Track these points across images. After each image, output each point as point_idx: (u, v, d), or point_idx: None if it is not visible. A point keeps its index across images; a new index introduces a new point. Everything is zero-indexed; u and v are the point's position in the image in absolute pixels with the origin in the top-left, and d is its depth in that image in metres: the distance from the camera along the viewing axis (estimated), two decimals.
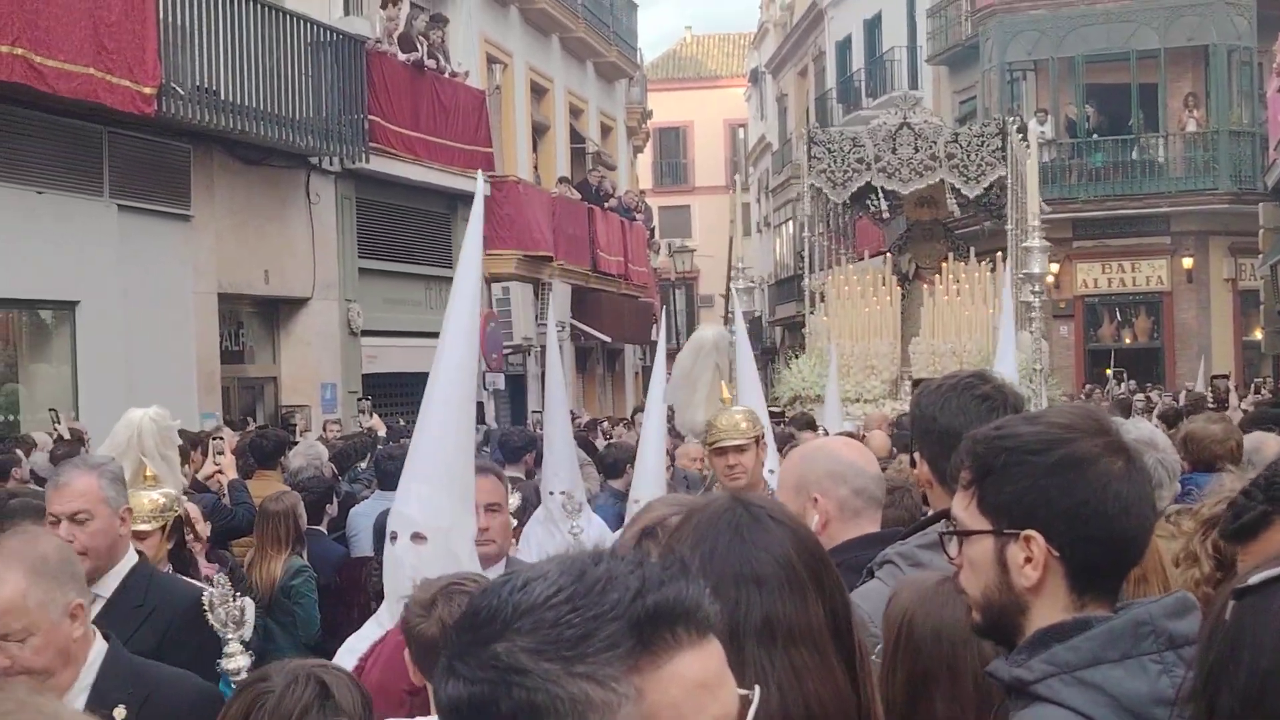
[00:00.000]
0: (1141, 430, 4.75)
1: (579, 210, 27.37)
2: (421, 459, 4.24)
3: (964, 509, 2.43)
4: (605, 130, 33.27)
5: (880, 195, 18.00)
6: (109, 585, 4.46)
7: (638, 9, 35.50)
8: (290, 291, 17.86)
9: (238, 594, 4.03)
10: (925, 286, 17.59)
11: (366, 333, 19.36)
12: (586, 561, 1.52)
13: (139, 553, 4.74)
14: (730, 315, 16.40)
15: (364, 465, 11.30)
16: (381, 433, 14.40)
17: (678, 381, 6.66)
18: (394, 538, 4.18)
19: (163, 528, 5.32)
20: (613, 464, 9.94)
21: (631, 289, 30.95)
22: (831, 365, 14.08)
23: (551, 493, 7.19)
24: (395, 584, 4.11)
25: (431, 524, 4.10)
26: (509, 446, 10.24)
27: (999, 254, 17.28)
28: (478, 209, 4.68)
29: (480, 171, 5.44)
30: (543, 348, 26.50)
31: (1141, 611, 2.31)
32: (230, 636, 3.90)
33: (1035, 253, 13.20)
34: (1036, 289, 13.90)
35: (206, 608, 3.91)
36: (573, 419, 22.86)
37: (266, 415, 17.62)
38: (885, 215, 20.13)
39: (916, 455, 3.63)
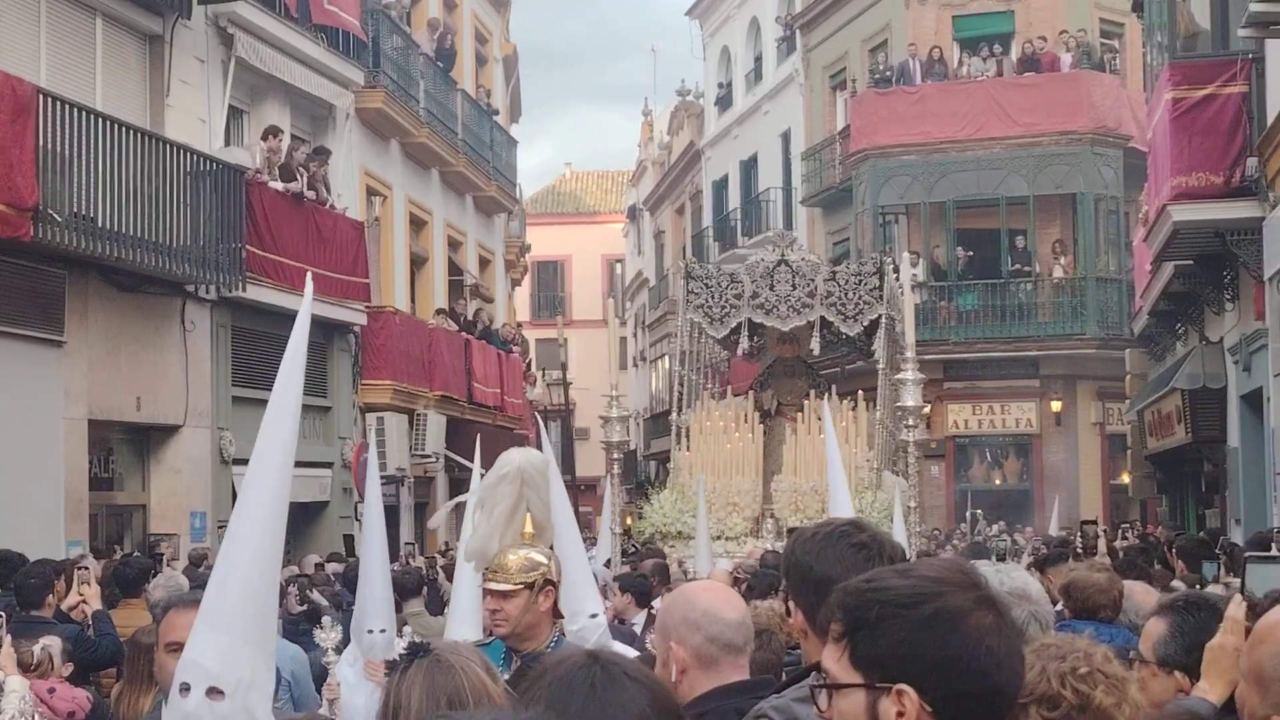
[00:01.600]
0: (1015, 580, 4.77)
1: (455, 341, 27.33)
2: (225, 604, 3.75)
3: (835, 661, 2.42)
4: (484, 263, 33.35)
5: (747, 331, 17.84)
6: None
7: (517, 145, 35.78)
8: (162, 419, 17.60)
9: None
10: (788, 423, 17.43)
11: (239, 461, 19.09)
12: None
13: None
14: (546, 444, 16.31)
15: None
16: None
17: (483, 504, 6.11)
18: (185, 690, 3.68)
19: None
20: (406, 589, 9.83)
21: (507, 420, 30.86)
22: (700, 502, 13.97)
23: (370, 630, 7.15)
24: None
25: (231, 677, 3.65)
26: (403, 587, 10.10)
27: (860, 393, 17.24)
28: (303, 319, 4.25)
29: (309, 275, 5.19)
30: (416, 478, 26.40)
31: None
32: None
33: (910, 385, 13.09)
34: (911, 423, 13.75)
35: None
36: (447, 549, 22.69)
37: (134, 543, 17.27)
38: (751, 351, 20.07)
39: (791, 604, 3.58)
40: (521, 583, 5.56)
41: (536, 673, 2.50)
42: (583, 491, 31.59)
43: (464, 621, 6.79)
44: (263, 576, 3.85)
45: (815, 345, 17.28)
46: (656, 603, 7.70)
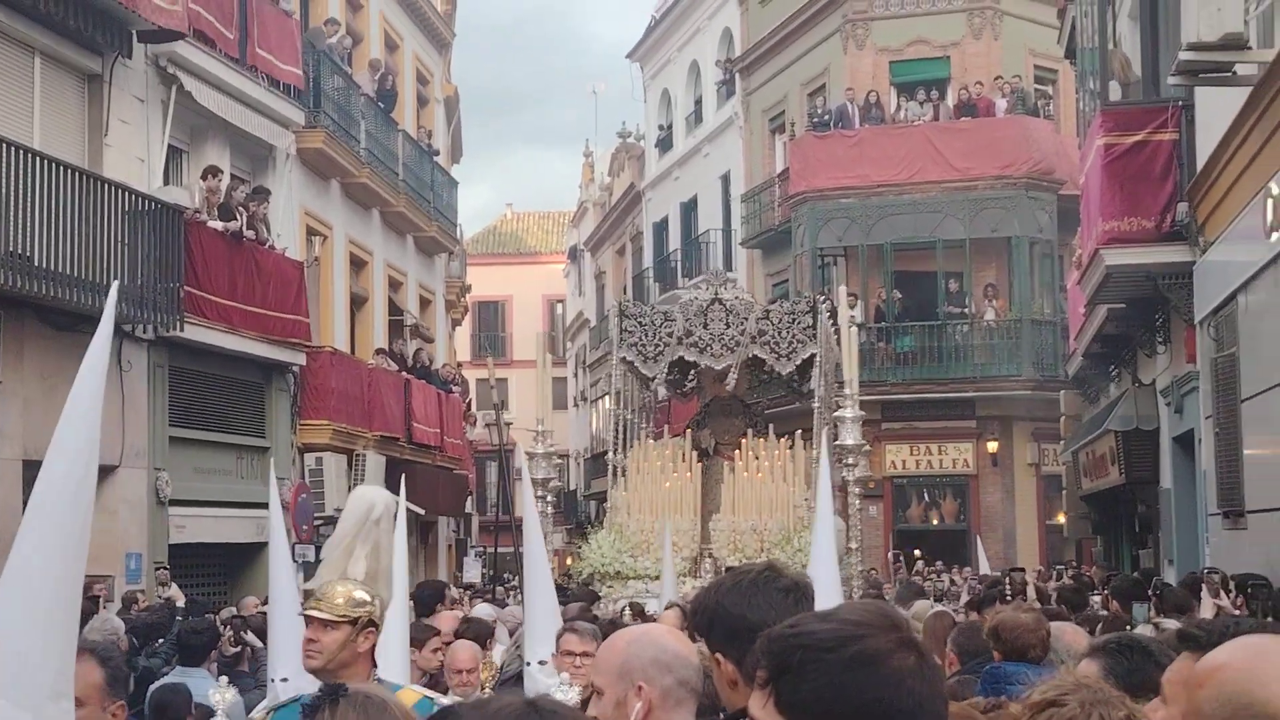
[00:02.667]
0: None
1: (395, 381, 27.29)
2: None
3: (761, 708, 2.44)
4: (424, 303, 33.33)
5: (681, 370, 17.76)
6: None
7: (458, 185, 35.82)
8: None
9: None
10: (725, 463, 17.37)
11: (175, 502, 18.99)
12: None
13: None
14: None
15: (161, 641, 11.01)
16: (180, 603, 14.06)
17: (335, 541, 5.70)
18: None
19: None
20: None
21: (446, 461, 30.80)
22: (666, 541, 13.83)
23: (274, 679, 6.58)
24: None
25: None
26: None
27: (798, 432, 17.23)
28: (104, 330, 3.80)
29: (115, 285, 4.74)
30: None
31: None
32: None
33: (849, 423, 12.99)
34: (851, 461, 13.66)
35: None
36: None
37: None
38: (686, 390, 20.07)
39: (719, 655, 3.57)
40: (345, 616, 5.25)
41: (468, 705, 2.51)
42: (518, 532, 31.48)
43: (391, 669, 6.75)
44: (56, 632, 3.48)
45: (732, 380, 17.24)
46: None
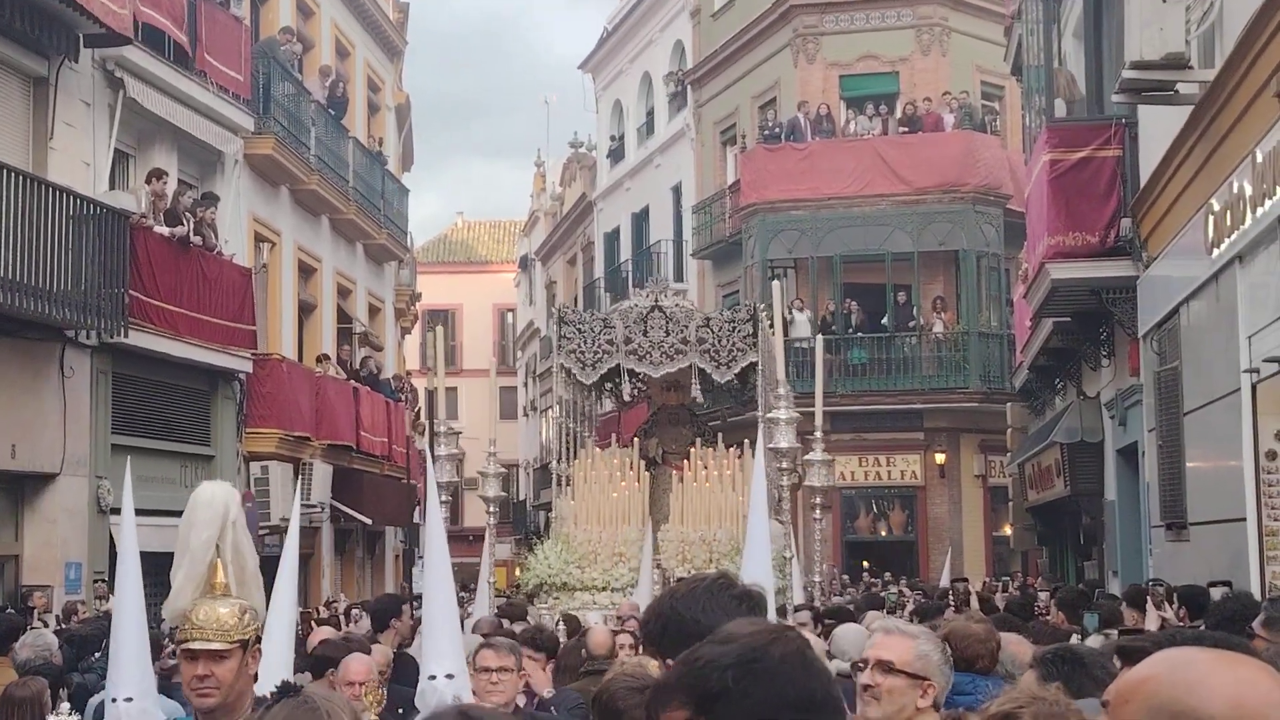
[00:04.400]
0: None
1: (343, 390, 27.17)
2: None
3: None
4: (373, 311, 33.21)
5: (626, 378, 17.64)
6: None
7: (409, 193, 35.72)
8: (37, 467, 17.30)
9: None
10: (674, 472, 17.29)
11: (117, 510, 18.78)
12: None
13: None
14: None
15: (98, 655, 10.85)
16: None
17: (191, 551, 5.13)
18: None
19: None
20: None
21: (395, 470, 30.69)
22: (646, 545, 13.64)
23: (115, 699, 5.84)
24: None
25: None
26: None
27: (746, 441, 17.23)
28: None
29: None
30: (301, 528, 26.02)
31: None
32: None
33: (782, 425, 12.65)
34: (784, 466, 13.37)
35: None
36: (328, 603, 22.47)
37: (5, 595, 16.93)
38: (627, 399, 19.96)
39: (670, 663, 3.55)
40: (238, 640, 4.68)
41: None
42: (470, 543, 31.41)
43: (444, 653, 6.51)
44: None
45: (697, 393, 17.15)
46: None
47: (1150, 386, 15.28)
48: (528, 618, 13.55)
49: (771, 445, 13.10)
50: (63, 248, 16.82)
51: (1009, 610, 13.50)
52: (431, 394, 27.11)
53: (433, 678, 6.46)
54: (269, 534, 23.55)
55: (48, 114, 18.01)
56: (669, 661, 3.54)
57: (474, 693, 6.58)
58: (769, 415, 13.06)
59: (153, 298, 19.06)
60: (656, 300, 17.40)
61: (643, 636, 3.86)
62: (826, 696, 2.40)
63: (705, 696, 2.38)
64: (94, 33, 17.94)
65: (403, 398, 32.03)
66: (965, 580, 20.24)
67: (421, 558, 13.93)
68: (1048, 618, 13.07)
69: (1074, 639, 9.22)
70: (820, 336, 15.88)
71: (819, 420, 13.09)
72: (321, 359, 27.20)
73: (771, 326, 16.84)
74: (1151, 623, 10.32)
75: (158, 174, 19.71)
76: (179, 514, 19.14)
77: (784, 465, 12.89)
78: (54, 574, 17.57)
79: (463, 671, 6.55)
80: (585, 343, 17.17)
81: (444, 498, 12.34)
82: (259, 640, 4.81)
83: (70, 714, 5.46)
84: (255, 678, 4.74)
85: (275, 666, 5.83)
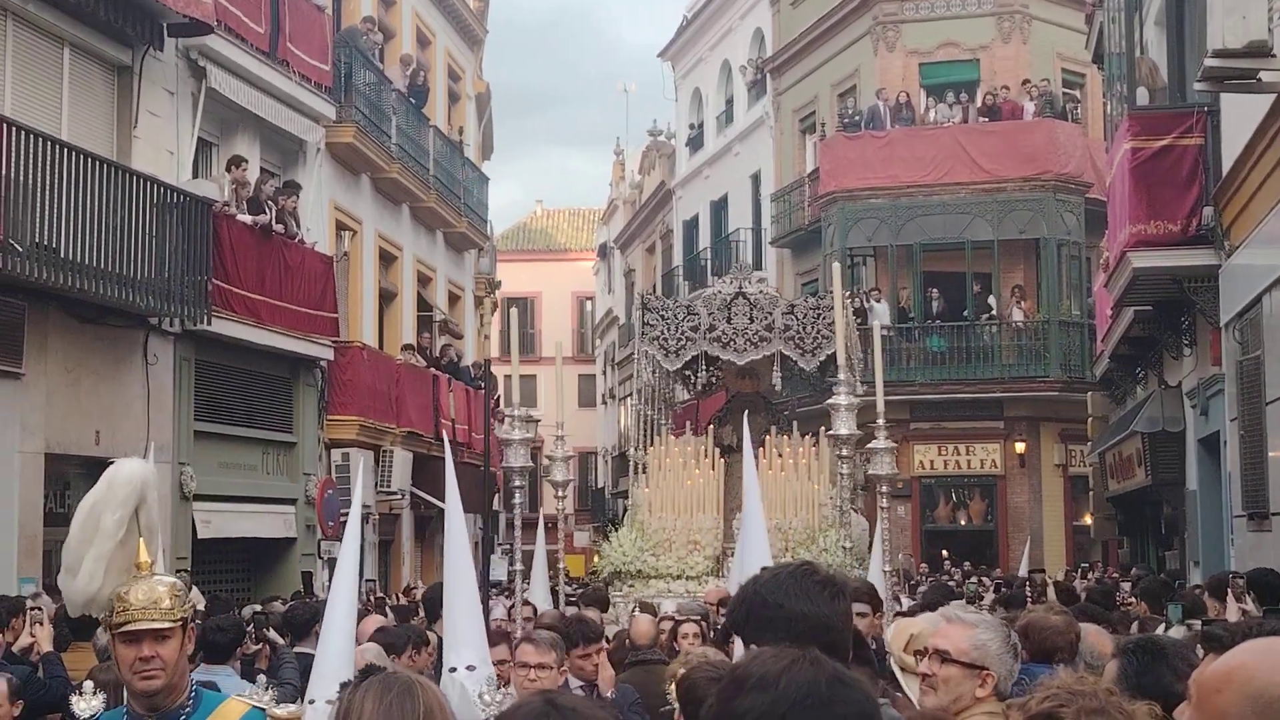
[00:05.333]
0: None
1: (424, 377, 27.34)
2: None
3: None
4: (453, 299, 33.38)
5: (703, 365, 17.37)
6: None
7: (489, 181, 35.87)
8: (121, 452, 17.42)
9: None
10: None
11: (200, 497, 19.01)
12: None
13: None
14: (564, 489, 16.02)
15: None
16: (200, 605, 14.05)
17: (101, 528, 4.77)
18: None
19: None
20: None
21: (474, 458, 30.82)
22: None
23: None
24: None
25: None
26: (295, 621, 9.82)
27: (822, 429, 16.96)
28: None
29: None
30: (381, 515, 26.30)
31: None
32: None
33: (842, 411, 12.12)
34: (844, 453, 12.89)
35: None
36: (407, 590, 22.62)
37: None
38: (701, 387, 19.68)
39: (754, 647, 3.53)
40: (180, 618, 4.55)
41: None
42: (548, 529, 31.54)
43: (466, 643, 6.32)
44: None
45: (777, 381, 16.91)
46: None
47: (1232, 376, 15.12)
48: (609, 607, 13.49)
49: (831, 432, 12.69)
50: (147, 236, 17.00)
51: (1090, 600, 13.41)
52: (482, 362, 27.19)
53: (453, 670, 6.21)
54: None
55: (132, 103, 18.21)
56: (752, 646, 3.56)
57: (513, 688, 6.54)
58: (829, 401, 12.59)
59: (235, 285, 19.23)
60: (740, 287, 17.11)
61: (728, 622, 3.89)
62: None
63: None
64: (177, 22, 18.14)
65: (482, 385, 32.16)
66: (1042, 571, 20.08)
67: (501, 545, 13.97)
68: (1130, 608, 12.99)
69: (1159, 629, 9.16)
70: (878, 322, 15.55)
71: (880, 407, 12.84)
72: (405, 348, 27.39)
73: (860, 321, 16.61)
74: (1232, 614, 10.24)
75: (237, 161, 19.89)
76: (262, 500, 19.36)
77: (844, 453, 12.46)
78: None
79: (485, 662, 6.32)
80: (668, 329, 16.92)
81: (517, 482, 12.26)
82: (195, 618, 4.73)
83: (96, 692, 5.33)
84: (193, 658, 4.68)
85: (336, 654, 5.78)
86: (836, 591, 3.58)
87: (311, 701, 5.55)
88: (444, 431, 25.13)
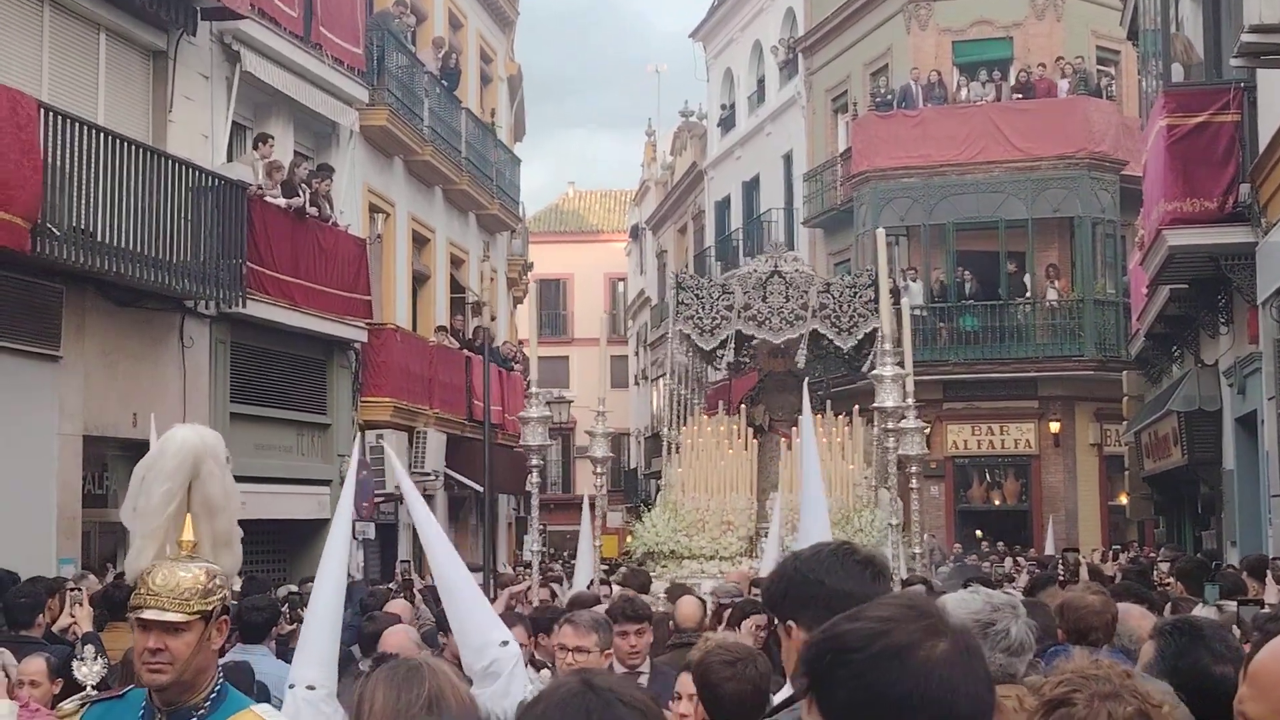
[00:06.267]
0: (996, 597, 4.86)
1: (456, 359, 27.40)
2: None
3: (808, 714, 2.41)
4: (486, 281, 33.41)
5: (735, 344, 17.19)
6: None
7: (521, 164, 35.88)
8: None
9: None
10: (782, 439, 16.66)
11: (235, 478, 19.02)
12: None
13: None
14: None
15: None
16: (236, 586, 14.11)
17: (148, 502, 4.51)
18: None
19: None
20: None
21: (507, 439, 30.88)
22: (775, 517, 13.26)
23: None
24: None
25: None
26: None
27: (856, 408, 16.81)
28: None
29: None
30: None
31: None
32: None
33: (887, 382, 11.73)
34: (889, 426, 12.59)
35: None
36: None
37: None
38: (734, 365, 19.49)
39: (792, 624, 3.56)
40: (199, 611, 4.13)
41: (528, 703, 2.49)
42: (581, 509, 31.56)
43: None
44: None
45: (801, 358, 16.81)
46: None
47: (1270, 354, 15.06)
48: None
49: (875, 405, 12.40)
50: (182, 219, 17.08)
51: (1127, 579, 13.36)
52: (515, 343, 27.15)
53: (292, 686, 5.33)
54: (384, 501, 23.88)
55: (167, 87, 18.28)
56: (790, 624, 3.56)
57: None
58: (873, 373, 12.30)
59: (270, 268, 19.31)
60: (776, 265, 17.01)
61: (764, 599, 3.86)
62: (927, 699, 2.30)
63: (814, 675, 2.38)
64: (210, 6, 18.19)
65: (515, 367, 32.21)
66: (1075, 550, 20.00)
67: (535, 525, 13.93)
68: (1166, 588, 12.94)
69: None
70: (908, 301, 15.40)
71: (909, 387, 12.71)
72: (439, 330, 27.46)
73: (894, 302, 16.44)
74: (1271, 595, 10.21)
75: (264, 138, 19.94)
76: (297, 481, 19.39)
77: (888, 426, 12.16)
78: None
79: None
80: (703, 309, 16.84)
81: (535, 461, 12.14)
82: (226, 611, 4.24)
83: (96, 658, 5.17)
84: (220, 652, 4.21)
85: (317, 641, 5.42)
86: (877, 572, 3.58)
87: (291, 686, 5.25)
88: (427, 424, 25.17)
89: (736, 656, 4.98)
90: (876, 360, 16.28)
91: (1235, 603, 9.05)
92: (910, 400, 12.91)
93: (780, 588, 3.67)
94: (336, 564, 5.62)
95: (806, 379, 17.59)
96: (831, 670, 2.34)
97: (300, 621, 10.31)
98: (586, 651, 6.42)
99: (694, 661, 5.20)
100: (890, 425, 12.01)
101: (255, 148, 19.84)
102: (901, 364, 12.93)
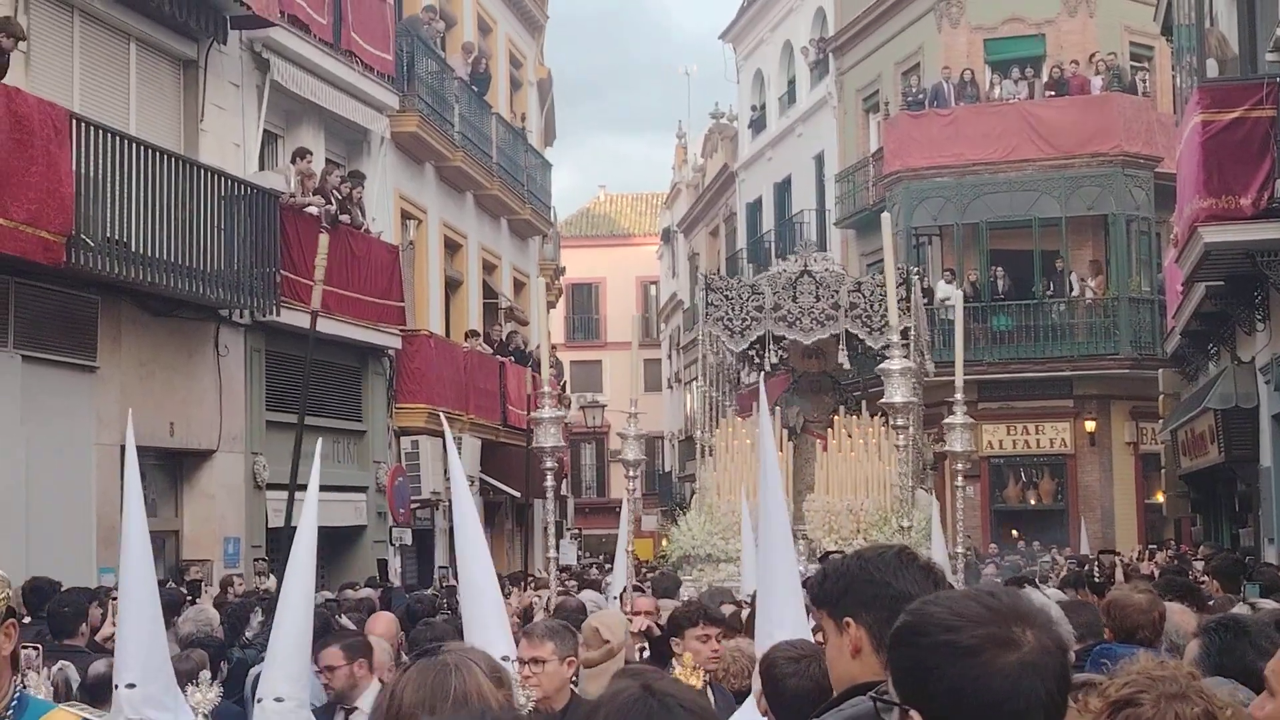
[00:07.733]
0: (1037, 599, 4.83)
1: (490, 364, 27.44)
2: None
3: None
4: (518, 285, 33.47)
5: (770, 345, 17.07)
6: None
7: (552, 168, 35.90)
8: (195, 444, 17.69)
9: None
10: (817, 441, 16.78)
11: (272, 486, 19.15)
12: None
13: None
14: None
15: (249, 634, 10.97)
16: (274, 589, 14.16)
17: None
18: None
19: None
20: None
21: None
22: (746, 519, 13.12)
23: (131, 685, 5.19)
24: None
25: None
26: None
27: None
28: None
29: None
30: (451, 502, 26.28)
31: None
32: None
33: (895, 376, 11.10)
34: (900, 423, 11.78)
35: None
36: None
37: (167, 569, 17.33)
38: (768, 367, 19.35)
39: (850, 620, 3.57)
40: None
41: (588, 709, 2.50)
42: (617, 513, 31.59)
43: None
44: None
45: (844, 359, 16.62)
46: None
47: None
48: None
49: (883, 400, 11.98)
50: (215, 228, 17.16)
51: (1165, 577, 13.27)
52: (509, 335, 27.10)
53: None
54: (420, 508, 23.93)
55: (198, 96, 18.37)
56: (848, 620, 3.55)
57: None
58: (880, 366, 11.92)
59: (303, 276, 19.33)
60: (806, 265, 16.83)
61: (816, 595, 3.83)
62: (979, 700, 2.36)
63: (890, 643, 2.47)
64: (240, 15, 18.26)
65: (550, 371, 32.24)
66: (1113, 553, 19.87)
67: (570, 530, 13.93)
68: (1203, 586, 12.86)
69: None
70: (950, 300, 15.26)
71: (959, 383, 12.58)
72: (470, 335, 27.49)
73: (927, 301, 16.31)
74: None
75: (302, 153, 20.00)
76: (333, 489, 19.45)
77: (898, 422, 11.79)
78: (213, 549, 17.98)
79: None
80: (733, 309, 16.69)
81: (548, 463, 12.05)
82: (11, 614, 3.84)
83: (211, 685, 5.19)
84: (13, 659, 3.88)
85: (285, 655, 5.38)
86: (939, 579, 3.60)
87: (259, 700, 5.19)
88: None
89: (801, 654, 5.01)
90: (912, 359, 16.24)
91: (1271, 602, 8.99)
92: (959, 395, 12.77)
93: (841, 585, 3.65)
94: (303, 577, 5.63)
95: (823, 387, 17.66)
96: (896, 646, 2.45)
97: (339, 628, 10.33)
98: (543, 661, 6.19)
99: (760, 659, 5.22)
100: (899, 421, 11.64)
101: (293, 161, 19.88)
102: (940, 368, 12.82)
